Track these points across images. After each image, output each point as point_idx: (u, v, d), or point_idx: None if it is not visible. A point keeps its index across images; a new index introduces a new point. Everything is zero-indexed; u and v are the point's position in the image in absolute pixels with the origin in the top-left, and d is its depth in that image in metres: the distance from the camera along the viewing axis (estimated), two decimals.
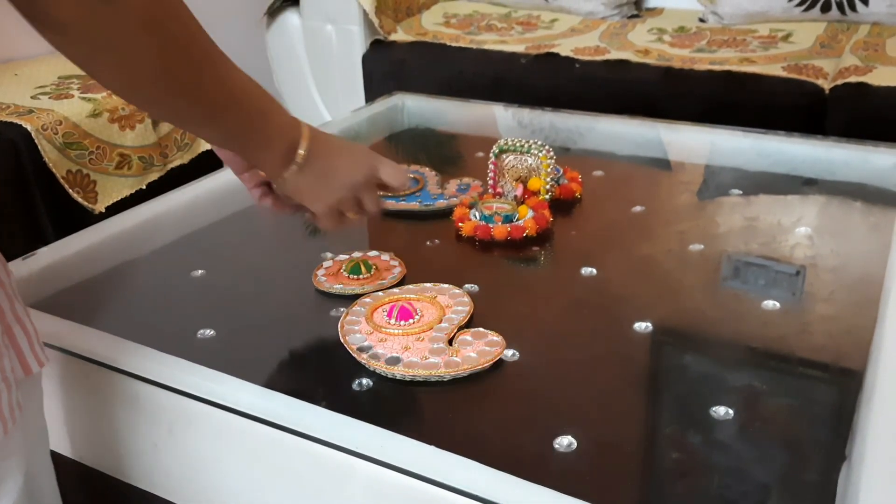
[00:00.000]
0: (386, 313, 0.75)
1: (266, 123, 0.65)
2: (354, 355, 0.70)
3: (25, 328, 0.57)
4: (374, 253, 0.89)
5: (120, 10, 0.48)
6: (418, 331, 0.72)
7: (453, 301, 0.78)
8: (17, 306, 0.56)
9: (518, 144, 1.00)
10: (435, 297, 0.78)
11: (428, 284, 0.81)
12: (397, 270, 0.85)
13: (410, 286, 0.81)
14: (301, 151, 0.66)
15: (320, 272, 0.85)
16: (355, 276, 0.83)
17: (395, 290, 0.81)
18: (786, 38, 1.96)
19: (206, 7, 2.62)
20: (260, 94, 0.64)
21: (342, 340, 0.72)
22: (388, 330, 0.73)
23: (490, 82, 1.95)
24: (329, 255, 0.88)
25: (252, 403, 0.62)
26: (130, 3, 0.49)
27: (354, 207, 0.73)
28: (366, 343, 0.71)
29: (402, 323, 0.73)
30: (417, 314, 0.74)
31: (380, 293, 0.80)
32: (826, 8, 2.01)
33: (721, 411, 0.62)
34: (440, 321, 0.74)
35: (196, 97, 0.58)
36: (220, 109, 0.61)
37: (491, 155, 1.01)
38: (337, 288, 0.82)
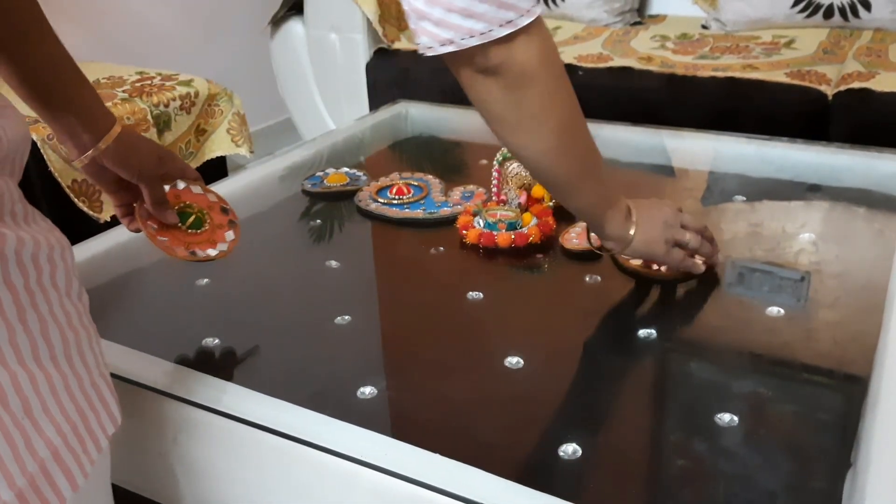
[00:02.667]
0: None
1: (608, 192, 0.74)
2: None
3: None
4: (198, 190, 0.82)
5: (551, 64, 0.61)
6: None
7: None
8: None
9: None
10: None
11: None
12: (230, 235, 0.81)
13: None
14: (633, 217, 0.76)
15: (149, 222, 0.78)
16: (195, 231, 0.80)
17: None
18: (788, 44, 1.97)
19: (210, 16, 2.64)
20: (602, 161, 0.73)
21: None
22: None
23: None
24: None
25: (256, 412, 0.62)
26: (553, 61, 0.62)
27: (681, 238, 0.79)
28: None
29: None
30: None
31: None
32: (829, 14, 2.02)
33: (726, 418, 0.62)
34: None
35: (583, 154, 0.68)
36: (591, 171, 0.70)
37: (494, 162, 1.01)
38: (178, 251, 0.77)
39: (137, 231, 0.78)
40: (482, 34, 0.55)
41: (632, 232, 0.76)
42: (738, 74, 1.78)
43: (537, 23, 0.58)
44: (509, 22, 0.55)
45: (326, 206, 1.08)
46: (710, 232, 0.83)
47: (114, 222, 1.60)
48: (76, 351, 0.47)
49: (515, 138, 0.65)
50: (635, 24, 2.29)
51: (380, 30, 2.15)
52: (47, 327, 0.45)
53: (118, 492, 0.72)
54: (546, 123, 0.64)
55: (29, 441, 0.42)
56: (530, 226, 0.93)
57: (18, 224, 0.45)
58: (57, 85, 0.69)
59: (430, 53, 0.58)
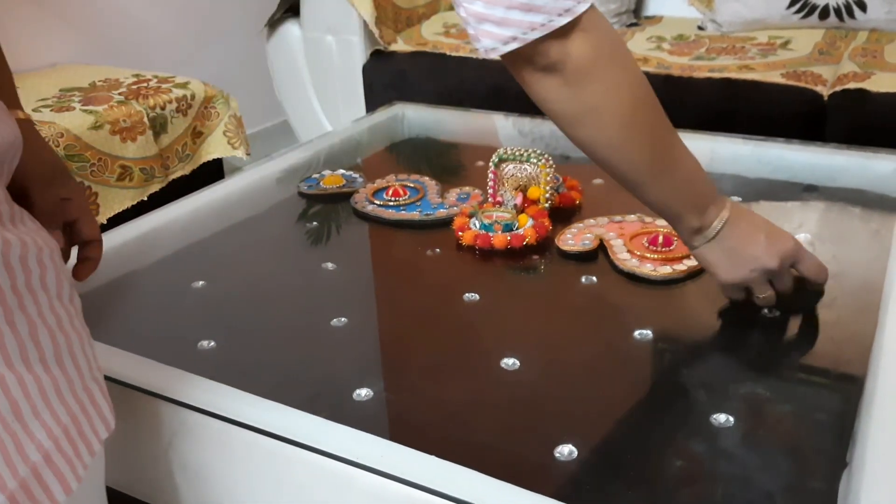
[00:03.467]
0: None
1: (692, 190, 0.70)
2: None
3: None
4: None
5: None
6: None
7: None
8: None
9: (517, 153, 1.00)
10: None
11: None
12: None
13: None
14: (716, 225, 0.70)
15: None
16: None
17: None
18: (784, 45, 1.97)
19: (207, 18, 2.64)
20: (690, 158, 0.69)
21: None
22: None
23: (490, 91, 1.95)
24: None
25: (252, 415, 0.62)
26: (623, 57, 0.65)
27: (763, 288, 0.74)
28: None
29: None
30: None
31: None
32: (824, 15, 2.02)
33: (722, 419, 0.62)
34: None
35: (652, 147, 0.65)
36: (665, 165, 0.67)
37: (490, 164, 1.01)
38: None
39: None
40: (543, 26, 0.57)
41: (695, 244, 0.72)
42: (734, 75, 1.79)
43: (592, 15, 0.59)
44: (567, 10, 0.57)
45: (323, 207, 1.08)
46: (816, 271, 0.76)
47: (110, 224, 1.60)
48: (67, 354, 0.47)
49: (577, 132, 0.65)
50: (632, 25, 2.29)
51: (376, 32, 2.15)
52: (37, 330, 0.45)
53: (113, 495, 0.72)
54: (606, 117, 0.64)
55: (20, 445, 0.42)
56: (526, 227, 0.93)
57: (4, 225, 0.44)
58: None
59: (493, 55, 0.60)
